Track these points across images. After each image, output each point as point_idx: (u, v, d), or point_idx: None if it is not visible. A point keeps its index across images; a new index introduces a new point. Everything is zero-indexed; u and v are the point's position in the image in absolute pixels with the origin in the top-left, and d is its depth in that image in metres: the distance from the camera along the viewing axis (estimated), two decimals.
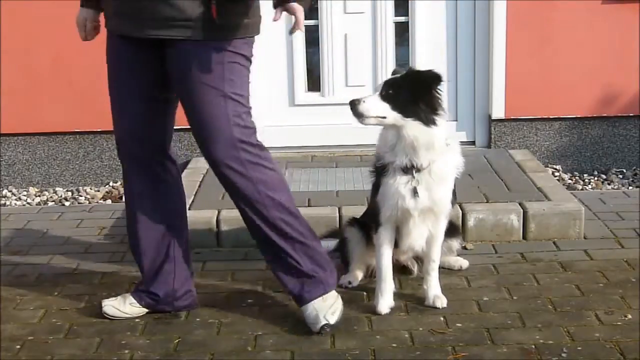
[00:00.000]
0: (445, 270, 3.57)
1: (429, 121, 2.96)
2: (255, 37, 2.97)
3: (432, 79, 2.97)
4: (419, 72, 3.04)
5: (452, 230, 3.48)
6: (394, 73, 3.12)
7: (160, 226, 3.13)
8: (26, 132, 5.11)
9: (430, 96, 2.97)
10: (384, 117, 2.97)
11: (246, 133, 2.93)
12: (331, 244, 3.73)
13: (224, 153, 2.91)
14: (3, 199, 4.95)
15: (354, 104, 2.96)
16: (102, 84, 4.96)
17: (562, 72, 5.04)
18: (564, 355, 2.83)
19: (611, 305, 3.19)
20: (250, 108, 2.97)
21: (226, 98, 2.88)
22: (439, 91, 2.99)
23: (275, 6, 2.80)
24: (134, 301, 3.18)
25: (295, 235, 3.04)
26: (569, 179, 5.00)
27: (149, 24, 2.83)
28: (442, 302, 3.20)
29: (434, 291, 3.23)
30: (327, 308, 3.04)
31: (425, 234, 3.20)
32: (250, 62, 2.97)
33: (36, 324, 3.18)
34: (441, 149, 3.04)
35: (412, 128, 2.97)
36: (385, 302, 3.19)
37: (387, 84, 3.01)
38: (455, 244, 3.56)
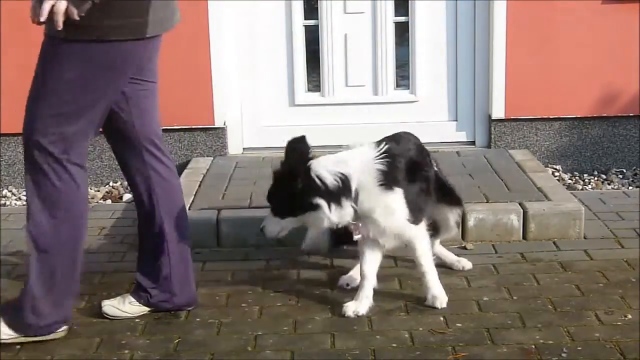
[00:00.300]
0: (445, 270, 3.57)
1: (312, 207, 2.98)
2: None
3: (290, 177, 2.98)
4: (280, 175, 3.03)
5: (448, 197, 3.44)
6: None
7: (155, 223, 3.13)
8: None
9: (299, 191, 2.97)
10: (286, 227, 3.08)
11: (50, 139, 2.86)
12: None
13: (25, 145, 2.93)
14: (3, 199, 4.95)
15: (262, 233, 3.11)
16: None
17: (562, 72, 5.04)
18: (564, 355, 2.83)
19: (611, 305, 3.19)
20: (71, 118, 2.85)
21: (45, 96, 2.84)
22: (305, 178, 2.96)
23: None
24: (134, 300, 3.18)
25: (36, 265, 2.96)
26: (569, 179, 5.00)
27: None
28: (440, 302, 3.20)
29: (433, 291, 3.22)
30: None
31: (396, 242, 3.20)
32: (105, 69, 2.83)
33: None
34: (346, 215, 3.02)
35: (307, 220, 3.06)
36: (354, 305, 3.17)
37: (269, 197, 3.09)
38: (453, 215, 3.49)
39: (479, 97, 5.16)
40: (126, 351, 2.94)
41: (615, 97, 5.07)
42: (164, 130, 5.03)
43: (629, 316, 3.11)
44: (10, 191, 5.08)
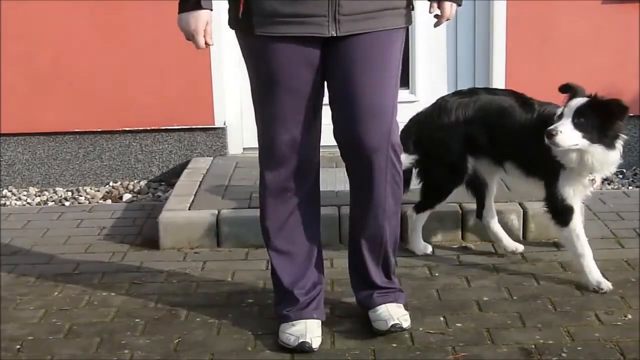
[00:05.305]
0: (445, 270, 3.58)
1: (610, 146, 3.18)
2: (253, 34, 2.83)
3: (619, 110, 3.15)
4: (608, 101, 3.16)
5: None
6: (573, 93, 3.26)
7: None
8: (26, 132, 5.11)
9: (615, 125, 3.16)
10: (576, 144, 3.16)
11: None
12: None
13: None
14: (3, 199, 4.95)
15: (551, 135, 3.12)
16: (102, 84, 5.00)
17: (562, 72, 5.03)
18: (564, 355, 2.83)
19: (611, 305, 3.19)
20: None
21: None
22: (622, 121, 3.16)
23: None
24: None
25: None
26: None
27: None
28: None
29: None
30: None
31: None
32: (245, 58, 2.92)
33: (36, 324, 3.18)
34: (615, 165, 3.29)
35: (596, 153, 3.18)
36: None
37: (578, 111, 3.15)
38: None
39: None
40: (126, 351, 2.95)
41: (615, 97, 5.05)
42: (164, 130, 5.11)
43: (629, 316, 3.11)
44: (10, 191, 5.08)
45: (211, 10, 2.79)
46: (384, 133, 2.87)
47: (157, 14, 4.87)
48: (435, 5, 2.94)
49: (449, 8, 2.95)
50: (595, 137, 3.14)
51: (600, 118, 3.13)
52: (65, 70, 5.01)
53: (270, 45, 2.77)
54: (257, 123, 2.92)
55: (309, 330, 2.92)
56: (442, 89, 5.20)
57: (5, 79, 4.99)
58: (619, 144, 3.20)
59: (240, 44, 2.90)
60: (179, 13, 2.79)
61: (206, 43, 2.82)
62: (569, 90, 3.27)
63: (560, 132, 3.11)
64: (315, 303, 3.01)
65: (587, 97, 3.20)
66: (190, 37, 2.81)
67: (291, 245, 3.00)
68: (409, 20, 2.90)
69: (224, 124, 5.12)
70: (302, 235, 3.00)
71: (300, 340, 2.89)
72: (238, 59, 5.08)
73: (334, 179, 4.54)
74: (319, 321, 3.00)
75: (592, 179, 3.28)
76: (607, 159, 3.21)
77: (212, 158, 5.07)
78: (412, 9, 2.93)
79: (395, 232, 3.03)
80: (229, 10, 2.85)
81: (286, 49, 2.76)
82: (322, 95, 2.90)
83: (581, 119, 3.12)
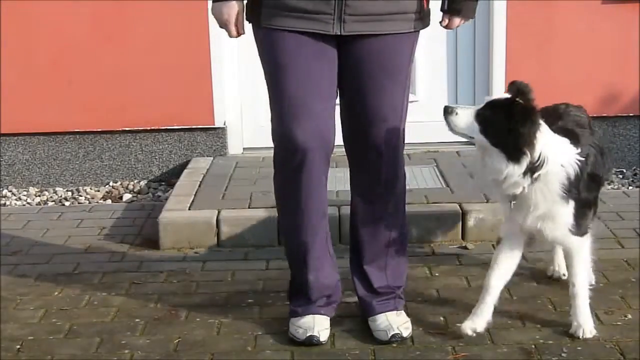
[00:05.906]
0: (445, 270, 3.58)
1: (511, 157, 2.73)
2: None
3: (519, 112, 2.74)
4: (524, 104, 2.80)
5: None
6: (510, 89, 2.93)
7: None
8: (26, 132, 5.11)
9: (515, 130, 2.71)
10: (472, 137, 2.79)
11: None
12: None
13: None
14: (3, 199, 4.95)
15: (447, 112, 2.79)
16: (102, 84, 5.00)
17: (562, 72, 5.04)
18: (564, 355, 2.83)
19: (611, 305, 3.19)
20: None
21: None
22: (535, 130, 2.74)
23: (442, 10, 2.97)
24: None
25: None
26: None
27: None
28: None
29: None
30: None
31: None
32: (259, 51, 2.89)
33: (36, 324, 3.18)
34: (516, 185, 2.79)
35: (493, 159, 2.77)
36: (471, 323, 2.98)
37: (490, 104, 2.80)
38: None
39: (479, 97, 5.15)
40: (126, 351, 2.95)
41: (615, 97, 5.07)
42: (164, 130, 5.10)
43: (629, 316, 3.11)
44: (10, 191, 5.08)
45: (243, 1, 2.83)
46: (388, 137, 2.88)
47: (157, 14, 4.87)
48: (446, 19, 2.95)
49: (458, 22, 2.97)
50: (497, 140, 2.73)
51: (505, 119, 2.72)
52: (65, 70, 5.01)
53: (279, 37, 2.79)
54: (271, 115, 2.92)
55: (317, 324, 2.95)
56: (442, 89, 5.21)
57: (5, 79, 4.99)
58: (526, 160, 2.71)
59: (255, 37, 2.90)
60: (213, 2, 2.86)
61: (238, 32, 2.86)
62: (513, 87, 2.91)
63: (456, 113, 2.77)
64: (324, 299, 3.02)
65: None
66: (224, 26, 2.87)
67: (313, 237, 2.98)
68: (419, 24, 2.89)
69: (224, 124, 5.12)
70: (322, 227, 3.00)
71: (308, 334, 2.92)
72: (237, 59, 5.13)
73: (334, 179, 4.54)
74: (327, 316, 3.01)
75: (513, 202, 2.86)
76: (500, 169, 2.74)
77: (212, 158, 5.07)
78: (428, 13, 2.92)
79: (401, 233, 3.04)
80: (246, 5, 2.87)
81: (294, 40, 2.78)
82: (336, 88, 2.91)
83: (487, 112, 2.76)
